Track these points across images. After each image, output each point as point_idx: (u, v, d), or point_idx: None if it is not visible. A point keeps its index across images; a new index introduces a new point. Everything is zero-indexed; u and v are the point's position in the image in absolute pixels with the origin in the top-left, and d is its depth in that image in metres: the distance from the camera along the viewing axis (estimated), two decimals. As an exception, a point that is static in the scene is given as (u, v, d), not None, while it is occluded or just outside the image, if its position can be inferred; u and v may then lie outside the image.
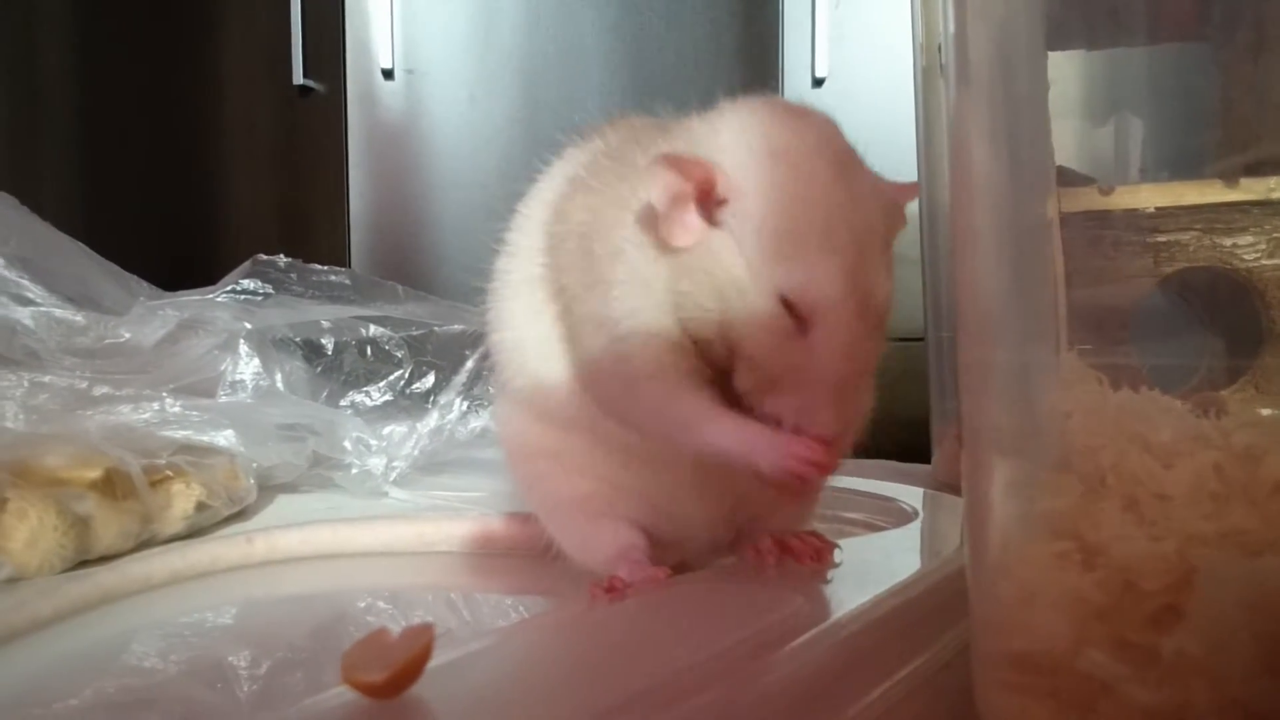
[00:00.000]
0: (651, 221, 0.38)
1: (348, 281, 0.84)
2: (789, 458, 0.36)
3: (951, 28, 0.31)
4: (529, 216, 0.46)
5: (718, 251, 0.37)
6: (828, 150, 0.38)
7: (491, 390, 0.57)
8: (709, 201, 0.37)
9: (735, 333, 0.37)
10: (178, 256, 1.67)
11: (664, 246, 0.38)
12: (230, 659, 0.43)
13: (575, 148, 0.47)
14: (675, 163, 0.37)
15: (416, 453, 0.75)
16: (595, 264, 0.40)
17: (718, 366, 0.39)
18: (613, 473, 0.44)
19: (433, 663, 0.27)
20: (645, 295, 0.39)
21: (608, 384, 0.41)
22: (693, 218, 0.37)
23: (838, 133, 0.40)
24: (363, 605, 0.52)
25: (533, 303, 0.45)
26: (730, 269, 0.37)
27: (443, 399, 0.77)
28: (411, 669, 0.26)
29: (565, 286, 0.42)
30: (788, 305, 0.36)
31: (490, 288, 0.48)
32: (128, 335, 0.70)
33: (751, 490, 0.43)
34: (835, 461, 0.37)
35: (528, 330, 0.45)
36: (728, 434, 0.38)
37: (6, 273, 0.67)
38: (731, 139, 0.38)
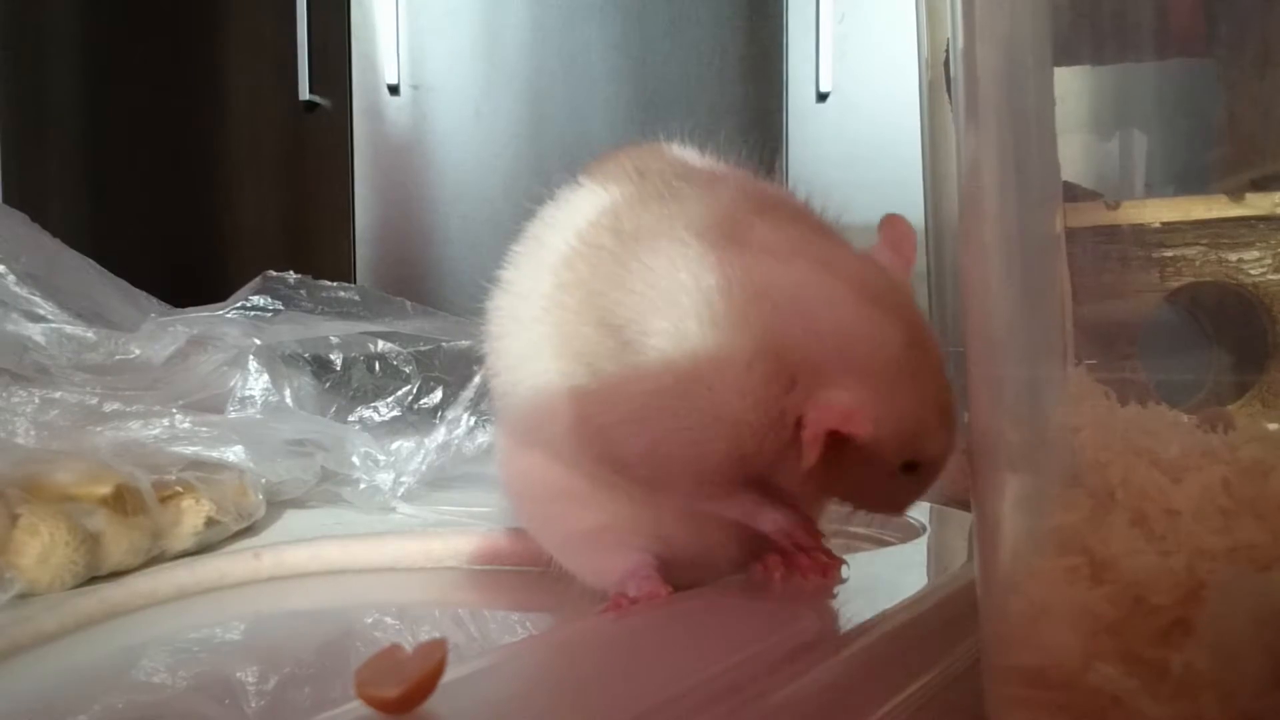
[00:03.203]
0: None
1: (357, 297, 0.85)
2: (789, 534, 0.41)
3: (959, 44, 0.31)
4: (528, 257, 0.44)
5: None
6: (916, 333, 0.38)
7: (493, 430, 0.57)
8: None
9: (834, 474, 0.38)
10: (184, 271, 1.68)
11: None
12: (238, 674, 0.43)
13: (588, 193, 0.44)
14: (833, 414, 0.36)
15: (424, 468, 0.75)
16: (641, 356, 0.39)
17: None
18: (620, 507, 0.44)
19: (444, 678, 0.27)
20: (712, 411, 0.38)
21: (625, 450, 0.41)
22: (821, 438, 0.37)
23: (891, 279, 0.39)
24: (370, 621, 0.52)
25: (532, 348, 0.43)
26: (851, 459, 0.38)
27: (450, 414, 0.77)
28: (425, 684, 0.26)
29: (590, 364, 0.40)
30: (904, 466, 0.39)
31: (489, 325, 0.46)
32: (138, 351, 0.70)
33: None
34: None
35: (525, 371, 0.44)
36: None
37: (17, 289, 0.67)
38: (842, 358, 0.37)
